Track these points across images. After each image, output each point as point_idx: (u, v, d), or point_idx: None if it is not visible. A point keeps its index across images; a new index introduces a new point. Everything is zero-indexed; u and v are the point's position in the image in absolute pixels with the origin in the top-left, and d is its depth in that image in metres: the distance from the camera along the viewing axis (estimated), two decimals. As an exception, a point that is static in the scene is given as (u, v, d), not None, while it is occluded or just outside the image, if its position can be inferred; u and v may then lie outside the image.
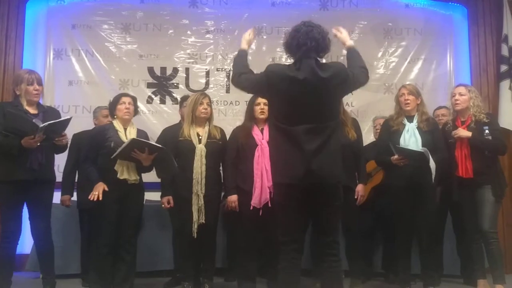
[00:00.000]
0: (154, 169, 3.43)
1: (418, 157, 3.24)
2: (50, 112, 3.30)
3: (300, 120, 2.30)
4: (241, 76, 2.47)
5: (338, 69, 2.39)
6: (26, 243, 3.90)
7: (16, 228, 3.19)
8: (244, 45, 2.59)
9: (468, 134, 3.33)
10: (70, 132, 3.35)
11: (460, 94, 3.44)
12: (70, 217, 4.11)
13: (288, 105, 2.32)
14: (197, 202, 3.30)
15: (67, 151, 3.66)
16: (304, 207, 2.33)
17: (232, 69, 2.63)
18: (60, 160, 4.20)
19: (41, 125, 2.99)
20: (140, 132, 3.42)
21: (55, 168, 3.43)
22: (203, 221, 3.30)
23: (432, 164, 3.23)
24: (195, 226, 3.28)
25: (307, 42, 2.33)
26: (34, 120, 3.06)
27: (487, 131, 3.35)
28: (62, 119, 3.16)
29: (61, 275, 3.67)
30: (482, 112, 3.42)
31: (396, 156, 3.30)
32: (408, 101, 3.45)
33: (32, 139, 2.99)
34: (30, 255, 4.10)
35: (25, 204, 3.25)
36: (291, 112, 2.32)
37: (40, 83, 3.23)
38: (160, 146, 3.26)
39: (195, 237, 3.29)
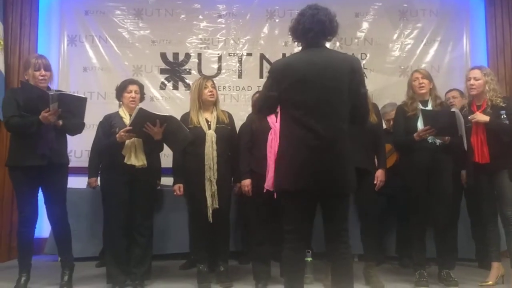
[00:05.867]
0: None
1: (448, 119, 3.18)
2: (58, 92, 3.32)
3: (310, 118, 2.20)
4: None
5: (351, 61, 2.29)
6: (44, 227, 3.99)
7: (32, 213, 3.25)
8: None
9: (486, 118, 3.27)
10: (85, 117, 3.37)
11: (475, 79, 3.36)
12: (85, 201, 4.20)
13: (298, 94, 2.22)
14: (211, 188, 3.33)
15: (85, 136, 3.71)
16: (313, 201, 2.29)
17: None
18: (75, 146, 4.28)
19: (51, 94, 3.00)
20: None
21: (72, 153, 3.47)
22: (217, 206, 3.32)
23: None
24: (210, 211, 3.31)
25: (313, 26, 2.25)
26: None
27: (504, 116, 3.28)
28: (76, 95, 3.16)
29: (78, 258, 3.74)
30: (498, 96, 3.34)
31: (422, 128, 3.25)
32: (423, 85, 3.41)
33: (47, 112, 3.01)
34: (48, 239, 4.19)
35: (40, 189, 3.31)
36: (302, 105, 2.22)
37: (47, 68, 3.22)
38: (166, 114, 3.27)
39: (211, 221, 3.32)
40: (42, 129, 3.11)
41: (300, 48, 2.39)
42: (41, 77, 3.18)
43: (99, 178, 3.77)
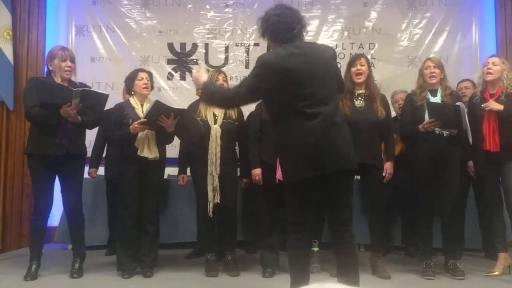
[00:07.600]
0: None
1: (453, 112, 3.18)
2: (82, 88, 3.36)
3: (309, 102, 2.21)
4: (232, 93, 2.36)
5: (331, 49, 2.45)
6: (54, 216, 4.03)
7: (47, 202, 3.29)
8: (204, 79, 2.45)
9: (500, 107, 3.24)
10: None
11: (494, 64, 3.33)
12: (96, 190, 4.27)
13: (296, 85, 2.22)
14: (212, 182, 3.35)
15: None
16: (316, 191, 2.30)
17: (217, 101, 2.47)
18: (90, 136, 4.31)
19: (75, 89, 3.06)
20: None
21: (87, 143, 3.51)
22: (218, 201, 3.35)
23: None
24: (211, 205, 3.34)
25: (294, 25, 2.29)
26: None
27: None
28: (98, 91, 3.24)
29: (87, 246, 3.78)
30: None
31: (427, 120, 3.25)
32: (434, 74, 3.38)
33: (69, 107, 3.06)
34: (58, 228, 4.25)
35: (57, 178, 3.34)
36: (300, 93, 2.22)
37: (73, 60, 3.29)
38: (180, 108, 3.30)
39: (211, 216, 3.35)
40: (62, 119, 3.15)
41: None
42: (67, 68, 3.24)
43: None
